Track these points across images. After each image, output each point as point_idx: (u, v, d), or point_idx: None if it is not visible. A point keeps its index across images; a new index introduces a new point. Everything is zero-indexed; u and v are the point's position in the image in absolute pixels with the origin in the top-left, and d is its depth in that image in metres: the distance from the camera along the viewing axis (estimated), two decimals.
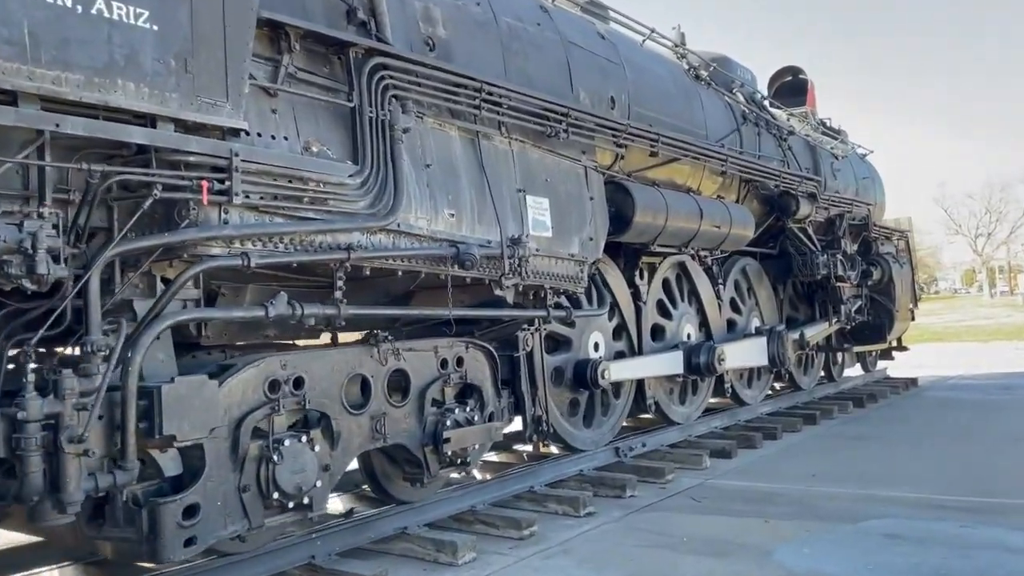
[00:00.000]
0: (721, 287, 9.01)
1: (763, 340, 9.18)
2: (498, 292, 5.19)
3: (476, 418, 5.19)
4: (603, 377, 6.63)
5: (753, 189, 9.29)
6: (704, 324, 8.73)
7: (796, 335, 9.65)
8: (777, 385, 11.30)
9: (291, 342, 5.33)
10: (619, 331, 7.49)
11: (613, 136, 6.28)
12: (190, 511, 3.58)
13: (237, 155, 3.54)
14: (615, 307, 7.36)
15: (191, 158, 3.41)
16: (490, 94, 5.02)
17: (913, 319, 13.64)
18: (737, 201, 8.91)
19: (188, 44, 3.37)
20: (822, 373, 12.17)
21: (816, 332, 10.24)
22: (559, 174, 5.73)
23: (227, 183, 3.52)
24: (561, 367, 6.67)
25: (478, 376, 5.32)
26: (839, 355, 12.25)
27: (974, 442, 8.17)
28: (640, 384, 7.62)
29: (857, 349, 11.76)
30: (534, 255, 5.35)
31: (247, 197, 3.62)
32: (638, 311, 7.61)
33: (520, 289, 5.35)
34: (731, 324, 9.45)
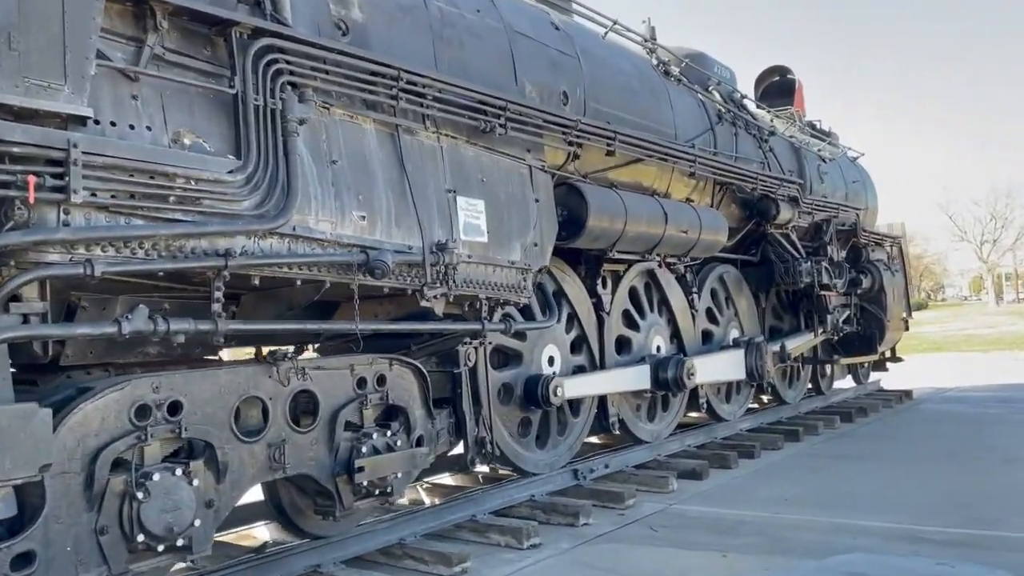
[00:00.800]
0: (695, 296, 8.49)
1: (740, 352, 8.65)
2: (424, 303, 4.68)
3: (400, 443, 4.68)
4: (555, 394, 6.12)
5: (730, 192, 8.78)
6: (676, 336, 8.21)
7: (776, 347, 9.11)
8: (764, 399, 10.78)
9: (216, 358, 4.84)
10: (579, 344, 6.98)
11: (563, 133, 5.77)
12: (23, 559, 3.07)
13: (76, 146, 3.04)
14: (573, 318, 6.86)
15: (15, 149, 2.92)
16: (411, 83, 4.52)
17: (907, 329, 13.10)
18: (712, 205, 8.40)
19: (12, 16, 2.87)
20: (809, 386, 11.64)
21: (799, 343, 9.70)
22: (498, 174, 5.23)
23: (65, 179, 3.02)
24: (510, 384, 6.16)
25: (403, 396, 4.81)
26: (828, 367, 11.71)
27: (963, 463, 7.63)
28: (603, 401, 7.11)
29: (845, 361, 11.21)
30: (465, 262, 4.85)
31: (93, 195, 3.13)
32: (600, 322, 7.10)
33: (451, 300, 4.83)
34: (707, 335, 8.93)
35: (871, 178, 13.31)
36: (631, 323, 7.64)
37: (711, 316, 9.02)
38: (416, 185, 4.55)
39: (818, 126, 13.33)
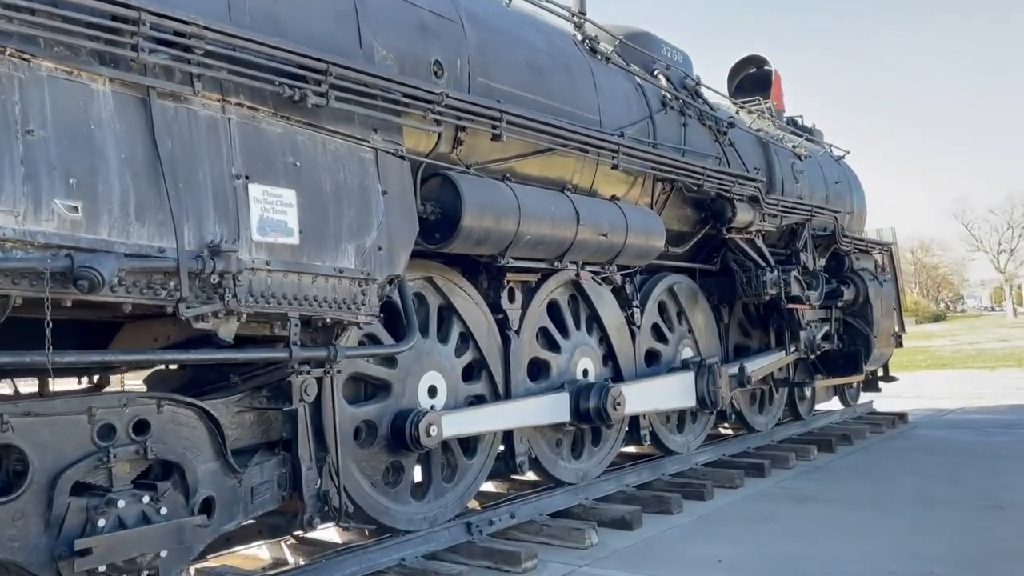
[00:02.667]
0: (636, 311, 7.30)
1: (690, 376, 7.46)
2: (200, 325, 3.53)
3: (165, 510, 3.52)
4: (428, 433, 4.95)
5: (677, 192, 7.60)
6: (611, 357, 7.03)
7: (735, 369, 7.90)
8: (730, 427, 9.57)
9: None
10: (476, 369, 5.81)
11: (428, 111, 4.62)
12: None
13: None
14: (468, 339, 5.69)
15: None
16: (160, 30, 3.39)
17: (900, 345, 11.87)
18: (653, 205, 7.22)
19: None
20: (786, 410, 10.40)
21: (764, 364, 8.49)
22: (323, 158, 4.08)
23: None
24: (374, 421, 5.00)
25: (177, 447, 3.66)
26: (807, 389, 10.46)
27: (949, 509, 6.41)
28: (509, 437, 5.93)
29: (822, 383, 9.97)
30: (260, 269, 3.70)
31: None
32: (506, 343, 5.93)
33: (242, 319, 3.68)
34: (653, 356, 7.74)
35: (858, 179, 12.09)
36: (551, 343, 6.47)
37: (658, 334, 7.83)
38: (177, 167, 3.41)
39: (799, 122, 12.17)
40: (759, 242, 8.62)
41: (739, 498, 7.20)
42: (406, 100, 4.50)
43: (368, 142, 4.34)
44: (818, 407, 11.72)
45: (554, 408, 6.13)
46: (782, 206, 8.51)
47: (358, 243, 4.18)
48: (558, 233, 5.56)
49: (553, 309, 6.54)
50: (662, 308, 7.93)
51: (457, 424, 5.28)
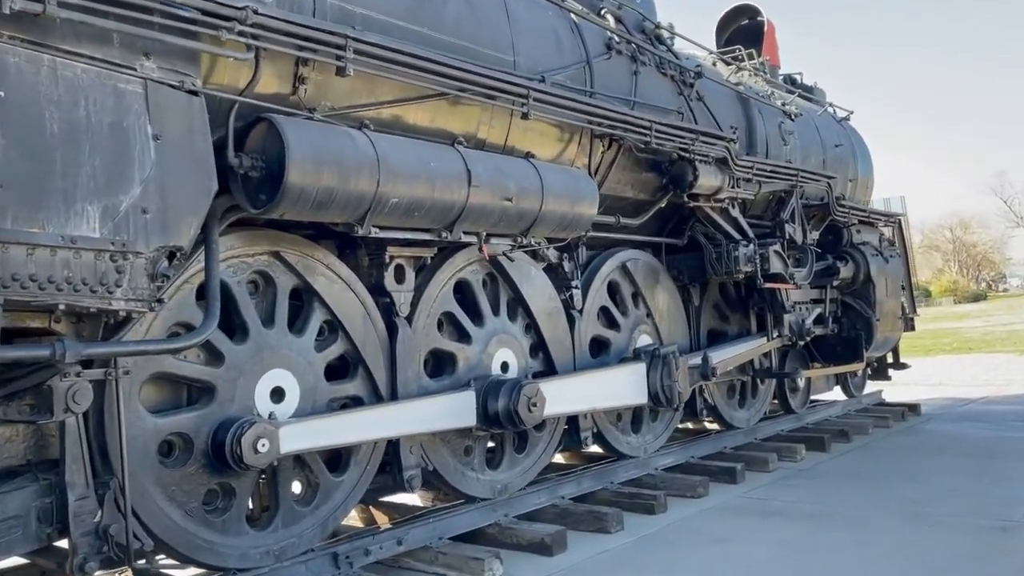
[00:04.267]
0: (576, 292, 6.20)
1: (640, 368, 6.34)
2: None
3: None
4: (256, 449, 3.90)
5: (627, 152, 6.46)
6: (541, 347, 5.93)
7: (697, 359, 6.76)
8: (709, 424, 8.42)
9: None
10: (351, 366, 4.76)
11: (227, 30, 3.54)
12: None
13: None
14: (336, 329, 4.63)
15: None
16: None
17: (911, 328, 10.63)
18: (591, 166, 6.09)
19: None
20: (776, 403, 9.24)
21: (736, 353, 7.33)
22: (47, 86, 3.02)
23: None
24: (189, 434, 3.96)
25: None
26: (799, 379, 9.28)
27: (944, 530, 5.27)
28: (396, 448, 4.88)
29: (811, 373, 8.78)
30: None
31: None
32: (392, 333, 4.86)
33: None
34: (601, 345, 6.64)
35: (864, 143, 10.82)
36: (460, 332, 5.40)
37: (608, 319, 6.72)
38: None
39: (799, 80, 10.92)
40: (734, 212, 7.45)
41: (696, 511, 6.11)
42: (196, 17, 3.41)
43: (134, 69, 3.26)
44: (820, 397, 10.56)
45: (456, 410, 5.06)
46: (758, 170, 7.31)
47: (107, 203, 3.12)
48: (441, 196, 4.46)
49: (462, 290, 5.47)
50: (613, 289, 6.82)
51: (309, 435, 4.23)
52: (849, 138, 10.34)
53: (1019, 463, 7.24)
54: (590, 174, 6.02)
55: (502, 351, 5.57)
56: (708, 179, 6.75)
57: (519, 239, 5.20)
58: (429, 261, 5.09)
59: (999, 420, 9.94)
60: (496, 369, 5.51)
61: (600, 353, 6.65)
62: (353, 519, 6.08)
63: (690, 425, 8.77)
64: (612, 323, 6.73)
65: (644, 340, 6.92)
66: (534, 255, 5.95)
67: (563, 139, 5.88)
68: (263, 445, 3.91)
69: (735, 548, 5.16)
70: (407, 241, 4.78)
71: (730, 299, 8.23)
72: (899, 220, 10.32)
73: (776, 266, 7.48)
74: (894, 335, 9.66)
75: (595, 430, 6.39)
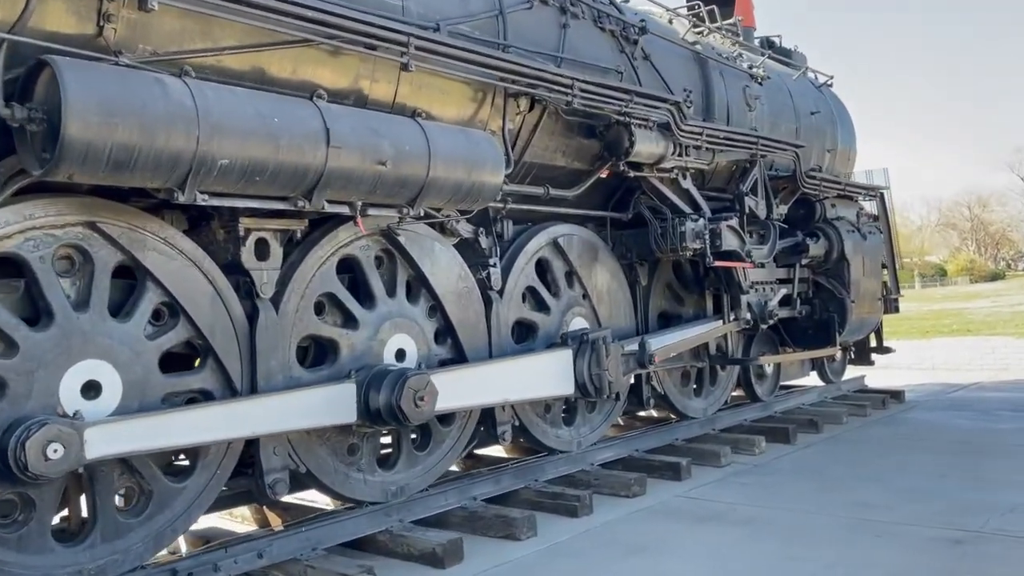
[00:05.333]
0: (494, 271, 5.57)
1: (566, 355, 5.71)
2: None
3: None
4: (48, 456, 3.30)
5: (553, 115, 5.80)
6: (448, 332, 5.31)
7: (633, 346, 6.12)
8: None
9: None
10: (202, 355, 4.15)
11: None
12: None
13: None
14: (177, 313, 4.02)
15: None
16: None
17: (894, 310, 9.93)
18: (505, 129, 5.43)
19: None
20: (737, 392, 8.60)
21: (682, 338, 6.68)
22: None
23: None
24: None
25: None
26: (768, 366, 8.63)
27: (890, 541, 4.64)
28: (255, 447, 4.27)
29: (768, 360, 8.11)
30: None
31: None
32: (253, 317, 4.25)
33: None
34: (527, 329, 6.01)
35: (846, 111, 10.08)
36: (345, 316, 4.78)
37: (537, 301, 6.08)
38: None
39: (778, 44, 10.17)
40: (686, 183, 6.78)
41: (625, 514, 5.50)
42: None
43: None
44: (799, 383, 9.91)
45: (332, 405, 4.45)
46: (710, 136, 6.61)
47: None
48: (290, 158, 3.82)
49: (349, 268, 4.85)
50: (542, 268, 6.18)
51: (129, 437, 3.63)
52: (829, 105, 9.60)
53: (995, 460, 6.58)
54: (504, 139, 5.36)
55: (397, 337, 4.95)
56: (648, 146, 6.07)
57: (405, 210, 4.55)
58: (300, 235, 4.45)
59: (987, 409, 9.27)
60: (390, 358, 4.89)
61: (527, 338, 6.02)
62: (248, 521, 5.53)
63: (654, 414, 8.15)
64: (541, 305, 6.10)
65: (578, 324, 6.28)
66: (443, 229, 5.32)
67: (473, 99, 5.22)
68: (55, 451, 3.31)
69: (651, 561, 4.55)
70: (270, 212, 4.15)
71: (686, 279, 7.57)
72: (881, 193, 9.59)
73: (730, 243, 6.81)
74: (873, 317, 8.96)
75: (516, 423, 5.77)
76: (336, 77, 4.39)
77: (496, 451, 6.95)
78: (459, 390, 4.97)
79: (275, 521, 5.32)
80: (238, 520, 5.62)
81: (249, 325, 4.23)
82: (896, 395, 10.03)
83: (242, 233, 4.15)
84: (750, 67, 8.15)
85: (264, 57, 4.07)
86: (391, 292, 5.01)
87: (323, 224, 4.63)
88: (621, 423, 8.33)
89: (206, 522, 5.21)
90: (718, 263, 6.67)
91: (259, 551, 4.22)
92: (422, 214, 4.64)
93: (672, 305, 7.45)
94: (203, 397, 4.12)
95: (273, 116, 3.76)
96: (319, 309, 4.69)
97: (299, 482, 4.73)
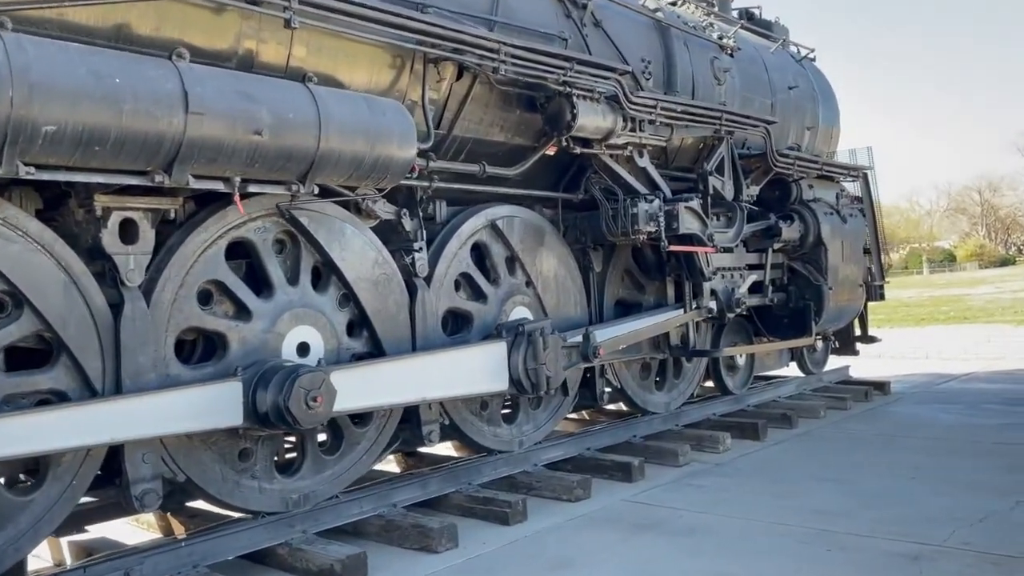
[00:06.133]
0: (419, 256, 5.08)
1: (500, 348, 5.23)
2: None
3: None
4: None
5: (486, 85, 5.29)
6: (364, 323, 4.82)
7: (577, 337, 5.63)
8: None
9: None
10: (54, 353, 3.67)
11: None
12: None
13: None
14: (22, 304, 3.54)
15: None
16: None
17: (878, 298, 9.41)
18: (425, 100, 4.92)
19: None
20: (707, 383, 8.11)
21: (631, 330, 6.18)
22: None
23: None
24: None
25: None
26: (739, 357, 8.13)
27: (843, 556, 4.15)
28: (117, 453, 3.80)
29: (732, 351, 7.60)
30: None
31: None
32: (119, 308, 3.77)
33: None
34: (461, 320, 5.53)
35: (829, 86, 9.53)
36: (238, 306, 4.29)
37: (473, 289, 5.60)
38: None
39: (758, 16, 9.62)
40: (642, 161, 6.28)
41: (561, 521, 5.04)
42: None
43: None
44: (779, 373, 9.42)
45: (214, 407, 3.98)
46: (665, 109, 6.09)
47: None
48: (138, 125, 3.33)
49: (242, 253, 4.37)
50: (479, 253, 5.69)
51: None
52: (809, 80, 9.05)
53: (973, 460, 6.08)
54: (425, 109, 4.86)
55: (300, 329, 4.47)
56: (593, 119, 5.56)
57: (295, 187, 4.06)
58: (176, 215, 3.96)
59: (975, 402, 8.76)
60: (290, 352, 4.41)
61: (461, 329, 5.54)
62: (153, 528, 5.09)
63: (624, 407, 7.67)
64: (478, 294, 5.61)
65: (520, 314, 5.79)
66: (359, 210, 4.83)
67: (389, 65, 4.72)
68: None
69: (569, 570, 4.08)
70: (139, 189, 3.67)
71: (647, 264, 7.06)
72: (864, 173, 9.05)
73: (689, 225, 6.32)
74: (853, 305, 8.45)
75: (446, 422, 5.29)
76: (210, 37, 3.89)
77: (446, 449, 6.51)
78: (369, 388, 4.51)
79: (179, 529, 4.88)
80: (143, 527, 5.19)
81: (113, 317, 3.75)
82: (880, 387, 9.52)
83: (100, 213, 3.67)
84: (720, 38, 7.61)
85: (120, 12, 3.58)
86: (293, 279, 4.52)
87: (211, 203, 4.14)
88: (586, 417, 7.89)
89: (103, 530, 4.79)
90: (674, 248, 6.16)
91: (126, 570, 3.75)
92: (316, 191, 4.14)
93: (631, 293, 6.96)
94: (57, 398, 3.64)
95: (114, 76, 3.26)
96: (205, 299, 4.21)
97: (185, 492, 4.27)
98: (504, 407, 6.02)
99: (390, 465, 6.30)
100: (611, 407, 7.77)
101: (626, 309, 6.88)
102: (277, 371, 4.08)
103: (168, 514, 4.92)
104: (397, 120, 4.31)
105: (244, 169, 3.78)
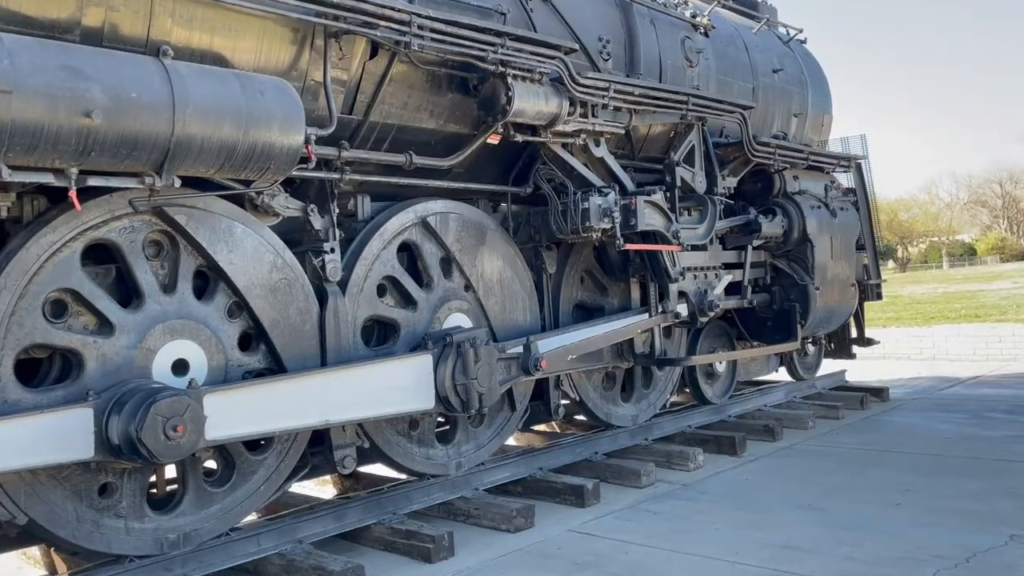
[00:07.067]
0: (331, 257, 4.49)
1: (424, 362, 4.63)
2: None
3: None
4: None
5: (410, 65, 4.69)
6: (260, 336, 4.24)
7: (518, 348, 5.02)
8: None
9: None
10: None
11: None
12: None
13: None
14: None
15: None
16: None
17: (875, 297, 8.74)
18: (341, 81, 4.32)
19: None
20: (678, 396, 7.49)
21: (580, 339, 5.55)
22: None
23: None
24: None
25: None
26: (719, 364, 7.49)
27: None
28: None
29: (698, 360, 6.94)
30: None
31: None
32: None
33: None
34: (388, 328, 4.94)
35: (820, 70, 8.85)
36: (100, 320, 3.71)
37: (401, 294, 5.00)
38: None
39: None
40: (599, 151, 5.66)
41: (493, 557, 4.48)
42: None
43: None
44: (771, 378, 8.78)
45: (59, 438, 3.40)
46: (619, 92, 5.46)
47: None
48: None
49: (105, 257, 3.79)
50: (410, 253, 5.10)
51: None
52: (797, 63, 8.39)
53: (968, 481, 5.42)
54: (327, 91, 4.26)
55: (176, 344, 3.89)
56: (532, 103, 4.94)
57: (149, 180, 3.47)
58: (7, 213, 3.39)
59: (980, 409, 8.09)
60: (163, 372, 3.83)
61: (387, 340, 4.94)
62: (38, 564, 4.54)
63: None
64: (406, 299, 5.01)
65: (457, 321, 5.19)
66: (255, 207, 4.24)
67: (283, 39, 4.13)
68: None
69: None
70: None
71: (612, 264, 6.44)
72: (858, 164, 8.38)
73: (650, 221, 5.69)
74: (844, 306, 7.78)
75: (366, 445, 4.70)
76: (42, 3, 3.30)
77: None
78: (257, 411, 3.92)
79: (61, 567, 4.32)
80: (31, 562, 4.65)
81: None
82: (878, 393, 8.86)
83: None
84: (694, 16, 6.97)
85: None
86: (170, 287, 3.94)
87: (59, 201, 3.57)
88: (557, 430, 7.28)
89: None
90: (631, 246, 5.54)
91: None
92: (176, 183, 3.54)
93: (593, 296, 6.34)
94: None
95: None
96: (59, 311, 3.63)
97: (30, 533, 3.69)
98: (441, 425, 5.43)
99: (324, 488, 5.74)
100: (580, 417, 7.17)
101: (588, 314, 6.27)
102: (130, 395, 3.49)
103: (52, 549, 4.37)
104: (278, 101, 3.72)
105: (77, 159, 3.20)
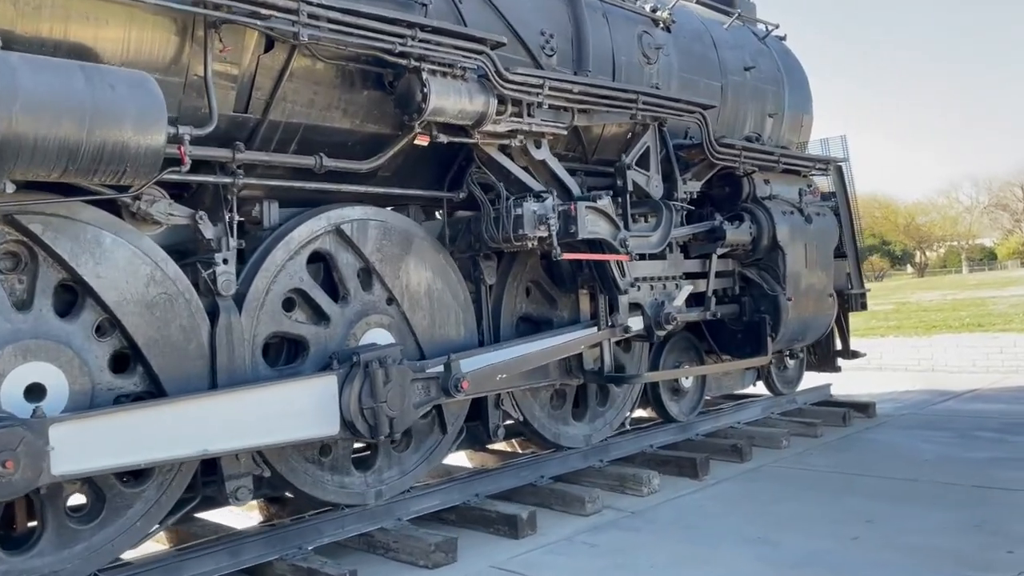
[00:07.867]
0: (224, 269, 4.10)
1: (328, 383, 4.23)
2: None
3: None
4: None
5: (310, 56, 4.30)
6: (136, 357, 3.85)
7: (435, 369, 4.61)
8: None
9: None
10: None
11: None
12: None
13: None
14: None
15: None
16: None
17: (859, 307, 8.29)
18: (238, 73, 3.94)
19: None
20: (637, 412, 7.05)
21: (509, 357, 5.13)
22: None
23: None
24: None
25: None
26: (685, 380, 7.05)
27: None
28: None
29: (654, 377, 6.48)
30: None
31: None
32: None
33: None
34: (299, 346, 4.54)
35: (799, 66, 8.39)
36: None
37: (313, 308, 4.60)
38: None
39: None
40: (540, 153, 5.25)
41: None
42: None
43: None
44: (752, 391, 8.33)
45: None
46: (555, 90, 5.04)
47: None
48: None
49: None
50: (322, 264, 4.70)
51: None
52: (773, 61, 7.94)
53: (942, 512, 4.95)
54: (208, 86, 3.87)
55: (29, 367, 3.51)
56: (452, 100, 4.54)
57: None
58: None
59: (968, 427, 7.60)
60: (13, 397, 3.44)
61: (292, 360, 4.54)
62: None
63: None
64: (318, 314, 4.61)
65: (376, 337, 4.79)
66: (132, 214, 3.86)
67: (158, 29, 3.74)
68: None
69: None
70: None
71: (562, 275, 6.01)
72: (839, 167, 7.92)
73: (594, 229, 5.27)
74: (821, 318, 7.33)
75: (266, 474, 4.30)
76: None
77: None
78: (120, 441, 3.52)
79: None
80: None
81: None
82: (863, 408, 8.37)
83: None
84: (654, 10, 6.55)
85: None
86: (26, 304, 3.56)
87: None
88: (519, 448, 6.86)
89: None
90: (569, 256, 5.12)
91: None
92: (8, 187, 3.16)
93: (541, 308, 5.92)
94: None
95: None
96: None
97: None
98: (362, 451, 5.02)
99: (245, 516, 5.34)
100: None
101: (535, 327, 5.85)
102: None
103: None
104: (133, 97, 3.33)
105: None
